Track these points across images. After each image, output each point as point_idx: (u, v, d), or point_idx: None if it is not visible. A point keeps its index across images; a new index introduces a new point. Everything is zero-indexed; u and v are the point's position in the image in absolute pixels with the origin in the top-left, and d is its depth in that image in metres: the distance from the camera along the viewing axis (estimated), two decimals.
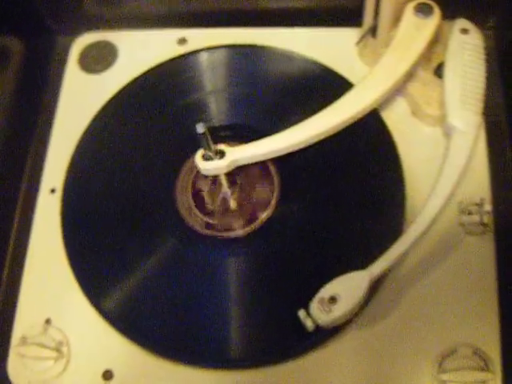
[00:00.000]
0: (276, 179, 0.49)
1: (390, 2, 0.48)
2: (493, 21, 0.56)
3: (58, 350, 0.45)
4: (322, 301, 0.41)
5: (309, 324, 0.41)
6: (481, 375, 0.41)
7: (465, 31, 0.49)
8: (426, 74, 0.50)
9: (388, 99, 0.50)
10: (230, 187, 0.49)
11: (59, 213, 0.50)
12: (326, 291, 0.41)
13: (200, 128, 0.43)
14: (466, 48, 0.49)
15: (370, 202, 0.48)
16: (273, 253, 0.47)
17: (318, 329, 0.41)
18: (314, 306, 0.41)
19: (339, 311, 0.40)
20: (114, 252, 0.48)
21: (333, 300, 0.41)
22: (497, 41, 0.56)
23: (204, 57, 0.55)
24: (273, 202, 0.48)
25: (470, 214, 0.46)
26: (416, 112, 0.51)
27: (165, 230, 0.48)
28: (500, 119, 0.53)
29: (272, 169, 0.50)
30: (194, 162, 0.47)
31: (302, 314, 0.42)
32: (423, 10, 0.49)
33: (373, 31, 0.52)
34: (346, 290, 0.41)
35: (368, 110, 0.48)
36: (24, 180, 0.55)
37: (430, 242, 0.46)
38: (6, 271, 0.52)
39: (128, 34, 0.59)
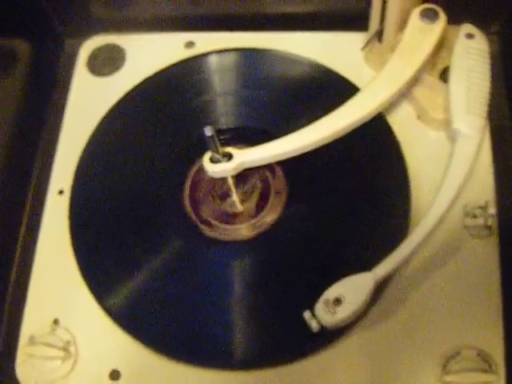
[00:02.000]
0: (282, 182, 0.50)
1: (396, 7, 0.48)
2: (498, 26, 0.57)
3: (65, 349, 0.45)
4: (327, 302, 0.41)
5: (314, 325, 0.41)
6: (484, 377, 0.42)
7: (470, 36, 0.50)
8: (431, 79, 0.50)
9: (393, 103, 0.51)
10: (236, 190, 0.49)
11: (67, 214, 0.50)
12: (331, 293, 0.41)
13: (208, 131, 0.43)
14: (471, 53, 0.49)
15: (376, 205, 0.48)
16: (278, 255, 0.47)
17: (323, 330, 0.41)
18: (319, 307, 0.41)
19: (344, 313, 0.41)
20: (122, 253, 0.48)
21: (338, 301, 0.41)
22: (501, 45, 0.56)
23: (211, 60, 0.56)
24: (279, 204, 0.49)
25: (474, 217, 0.46)
26: (421, 116, 0.51)
27: (172, 232, 0.49)
28: (504, 123, 0.53)
29: (279, 172, 0.50)
30: (201, 164, 0.47)
31: (307, 315, 0.42)
32: (429, 15, 0.49)
33: (379, 36, 0.52)
34: (350, 291, 0.41)
35: (374, 114, 0.48)
36: (32, 181, 0.56)
37: (434, 245, 0.46)
38: (14, 271, 0.52)
39: (136, 38, 0.59)
